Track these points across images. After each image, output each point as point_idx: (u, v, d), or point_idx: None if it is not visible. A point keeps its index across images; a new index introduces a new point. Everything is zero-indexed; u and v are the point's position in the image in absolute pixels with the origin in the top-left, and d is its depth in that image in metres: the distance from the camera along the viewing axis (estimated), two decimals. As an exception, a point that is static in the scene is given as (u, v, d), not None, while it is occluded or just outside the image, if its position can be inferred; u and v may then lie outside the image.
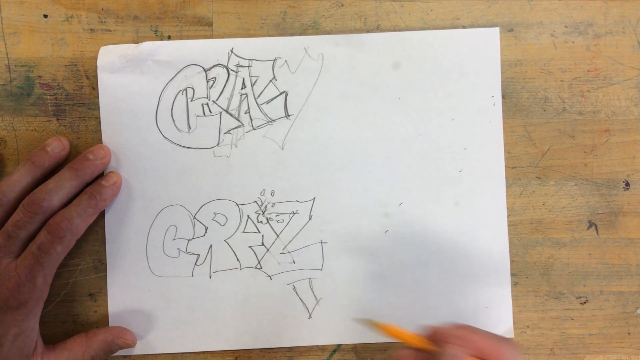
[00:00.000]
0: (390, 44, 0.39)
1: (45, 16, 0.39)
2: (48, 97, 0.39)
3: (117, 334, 0.38)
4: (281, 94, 0.39)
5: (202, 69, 0.39)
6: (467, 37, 0.39)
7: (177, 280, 0.39)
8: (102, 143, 0.39)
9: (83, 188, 0.37)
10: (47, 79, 0.39)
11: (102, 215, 0.39)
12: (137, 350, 0.39)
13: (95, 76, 0.39)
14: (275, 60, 0.39)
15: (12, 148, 0.39)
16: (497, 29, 0.39)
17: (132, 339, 0.38)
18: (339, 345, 0.39)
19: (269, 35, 0.39)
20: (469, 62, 0.39)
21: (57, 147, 0.37)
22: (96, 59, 0.39)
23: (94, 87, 0.39)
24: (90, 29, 0.39)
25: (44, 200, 0.35)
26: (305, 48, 0.39)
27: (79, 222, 0.35)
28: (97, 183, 0.37)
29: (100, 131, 0.39)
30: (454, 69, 0.39)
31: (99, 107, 0.39)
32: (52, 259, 0.35)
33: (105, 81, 0.39)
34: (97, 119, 0.39)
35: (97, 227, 0.39)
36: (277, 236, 0.39)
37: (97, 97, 0.39)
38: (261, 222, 0.39)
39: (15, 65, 0.39)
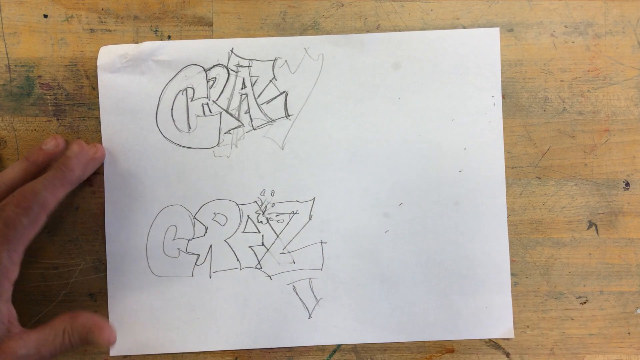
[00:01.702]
0: (390, 44, 0.39)
1: (45, 16, 0.39)
2: (48, 97, 0.39)
3: (95, 324, 0.34)
4: (281, 94, 0.39)
5: (202, 69, 0.39)
6: (467, 37, 0.39)
7: (177, 280, 0.39)
8: (101, 143, 0.39)
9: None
10: (47, 79, 0.39)
11: (102, 215, 0.39)
12: (137, 350, 0.39)
13: (95, 76, 0.39)
14: (275, 60, 0.39)
15: (12, 148, 0.39)
16: (497, 29, 0.39)
17: (108, 338, 0.34)
18: (339, 345, 0.39)
19: (269, 35, 0.39)
20: (469, 62, 0.39)
21: (52, 145, 0.37)
22: (96, 59, 0.39)
23: (94, 87, 0.39)
24: (90, 29, 0.39)
25: None
26: (305, 48, 0.39)
27: (47, 194, 0.34)
28: (61, 155, 0.36)
29: (100, 131, 0.39)
30: (454, 69, 0.39)
31: (99, 107, 0.39)
32: (17, 233, 0.33)
33: (105, 81, 0.39)
34: (97, 119, 0.39)
35: (97, 227, 0.39)
36: (277, 236, 0.39)
37: (97, 97, 0.39)
38: (261, 222, 0.39)
39: (15, 65, 0.39)
